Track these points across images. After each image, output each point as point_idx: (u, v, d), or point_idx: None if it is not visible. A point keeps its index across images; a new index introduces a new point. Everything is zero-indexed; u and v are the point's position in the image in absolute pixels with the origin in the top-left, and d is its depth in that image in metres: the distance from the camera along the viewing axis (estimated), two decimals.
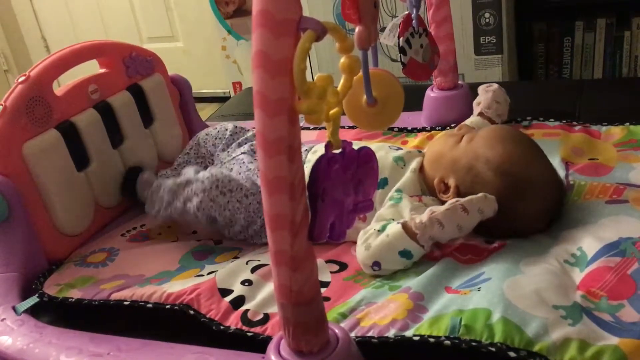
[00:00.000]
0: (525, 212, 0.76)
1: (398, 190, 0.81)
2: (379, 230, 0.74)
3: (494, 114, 0.98)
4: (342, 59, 0.51)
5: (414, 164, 0.85)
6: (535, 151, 0.80)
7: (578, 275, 0.67)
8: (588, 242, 0.71)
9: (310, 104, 0.47)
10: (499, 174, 0.76)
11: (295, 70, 0.46)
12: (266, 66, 0.46)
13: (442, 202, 0.80)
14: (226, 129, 1.04)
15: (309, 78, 0.47)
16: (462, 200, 0.72)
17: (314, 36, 0.46)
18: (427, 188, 0.83)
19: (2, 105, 0.85)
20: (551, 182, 0.79)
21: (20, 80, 0.87)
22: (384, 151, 0.87)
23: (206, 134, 1.05)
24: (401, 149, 0.90)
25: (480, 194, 0.72)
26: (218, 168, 0.92)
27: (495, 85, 1.02)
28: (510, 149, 0.77)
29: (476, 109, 1.00)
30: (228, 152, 1.00)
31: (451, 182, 0.79)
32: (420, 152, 0.90)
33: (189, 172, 0.92)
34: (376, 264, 0.73)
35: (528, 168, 0.77)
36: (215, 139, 1.03)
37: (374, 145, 0.87)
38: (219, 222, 0.87)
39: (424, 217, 0.72)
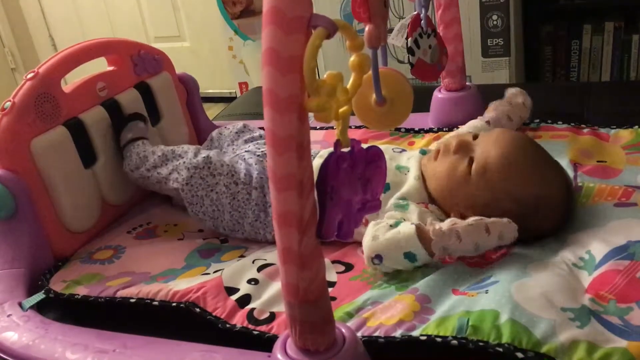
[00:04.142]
0: (543, 226, 0.76)
1: (403, 199, 0.81)
2: (391, 225, 0.74)
3: (498, 127, 0.94)
4: (352, 57, 0.51)
5: (416, 171, 0.83)
6: (550, 164, 0.78)
7: (586, 279, 0.67)
8: (596, 246, 0.70)
9: (320, 101, 0.47)
10: (521, 203, 0.74)
11: (305, 67, 0.46)
12: (276, 63, 0.46)
13: (446, 212, 0.80)
14: (235, 127, 1.07)
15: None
16: (487, 220, 0.70)
17: (324, 34, 0.46)
18: (430, 196, 0.82)
19: (10, 101, 0.85)
20: (567, 194, 0.78)
21: (29, 76, 0.88)
22: (387, 156, 0.85)
23: (220, 133, 1.09)
24: (405, 150, 0.89)
25: (504, 219, 0.70)
26: (216, 152, 0.93)
27: (520, 100, 0.96)
28: (529, 175, 0.75)
29: (488, 113, 0.97)
30: (233, 148, 1.02)
31: (470, 215, 0.75)
32: (422, 152, 0.87)
33: (190, 148, 0.94)
34: (378, 258, 0.72)
35: (549, 189, 0.75)
36: (227, 137, 1.07)
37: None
38: (206, 206, 0.88)
39: (444, 225, 0.70)
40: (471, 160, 0.77)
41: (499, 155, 0.76)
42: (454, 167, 0.78)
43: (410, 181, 0.82)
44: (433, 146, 0.99)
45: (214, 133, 1.10)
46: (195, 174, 0.88)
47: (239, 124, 1.09)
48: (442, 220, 0.77)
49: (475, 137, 0.81)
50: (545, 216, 0.75)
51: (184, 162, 0.90)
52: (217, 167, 0.89)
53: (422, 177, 0.82)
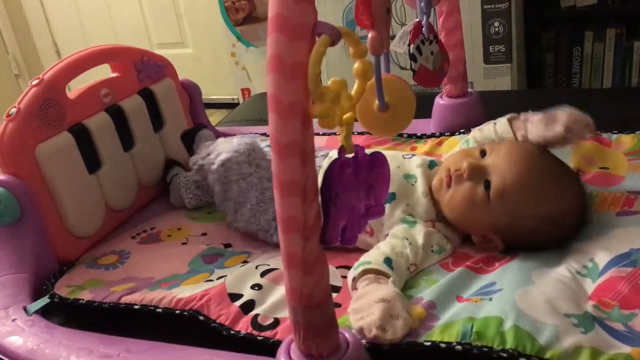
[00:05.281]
0: (565, 235, 0.76)
1: (411, 215, 0.80)
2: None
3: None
4: (356, 64, 0.51)
5: (423, 186, 0.81)
6: (564, 173, 0.77)
7: (590, 286, 0.67)
8: (599, 254, 0.70)
9: (324, 108, 0.48)
10: (545, 221, 0.74)
11: (309, 74, 0.46)
12: (281, 70, 0.46)
13: (454, 228, 0.80)
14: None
15: None
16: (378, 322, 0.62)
17: (328, 41, 0.47)
18: (440, 212, 0.81)
19: (16, 107, 0.86)
20: (582, 198, 0.78)
21: (34, 83, 0.88)
22: (395, 164, 0.84)
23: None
24: (415, 155, 0.89)
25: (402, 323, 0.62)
26: (260, 143, 0.93)
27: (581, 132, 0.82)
28: (549, 193, 0.74)
29: (533, 127, 0.84)
30: None
31: (494, 237, 0.76)
32: (431, 163, 0.85)
33: (239, 135, 0.94)
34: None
35: (568, 200, 0.75)
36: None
37: (387, 153, 0.85)
38: (232, 193, 0.88)
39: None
40: (487, 183, 0.75)
41: (516, 176, 0.74)
42: (471, 195, 0.75)
43: (419, 197, 0.81)
44: (443, 155, 0.97)
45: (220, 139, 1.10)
46: (233, 158, 0.87)
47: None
48: (448, 239, 0.78)
49: (482, 152, 0.79)
50: (568, 226, 0.76)
51: (228, 146, 0.90)
52: (257, 158, 0.88)
53: (430, 193, 0.81)
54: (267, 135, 1.05)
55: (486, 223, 0.76)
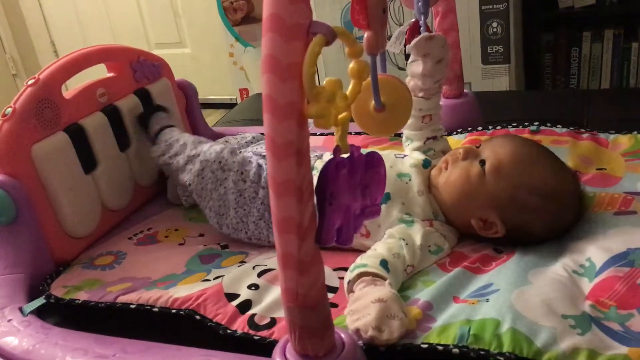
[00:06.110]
0: (565, 222, 0.76)
1: (408, 214, 0.80)
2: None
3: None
4: (352, 64, 0.51)
5: (419, 184, 0.82)
6: (558, 160, 0.79)
7: (587, 286, 0.67)
8: (596, 253, 0.70)
9: (319, 108, 0.48)
10: (545, 197, 0.74)
11: (304, 74, 0.46)
12: (276, 70, 0.46)
13: (453, 227, 0.80)
14: (244, 137, 1.10)
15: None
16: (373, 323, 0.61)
17: (324, 41, 0.47)
18: (439, 207, 0.81)
19: (11, 107, 0.85)
20: (578, 185, 0.80)
21: (29, 82, 0.88)
22: (387, 164, 0.83)
23: (225, 140, 1.10)
24: (407, 156, 0.89)
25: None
26: (230, 148, 0.93)
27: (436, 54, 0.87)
28: (543, 167, 0.76)
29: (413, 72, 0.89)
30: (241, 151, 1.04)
31: (493, 217, 0.76)
32: (425, 162, 0.86)
33: (206, 141, 0.95)
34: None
35: (563, 179, 0.77)
36: (234, 144, 1.07)
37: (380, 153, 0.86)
38: (213, 200, 0.88)
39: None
40: (482, 162, 0.77)
41: (509, 152, 0.77)
42: (466, 172, 0.78)
43: (414, 196, 0.81)
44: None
45: (220, 141, 1.09)
46: (207, 167, 0.89)
47: (248, 135, 1.11)
48: (446, 238, 0.78)
49: (477, 145, 0.82)
50: (568, 208, 0.76)
51: (199, 155, 0.90)
52: (229, 163, 0.89)
53: (426, 192, 0.81)
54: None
55: (484, 198, 0.76)
